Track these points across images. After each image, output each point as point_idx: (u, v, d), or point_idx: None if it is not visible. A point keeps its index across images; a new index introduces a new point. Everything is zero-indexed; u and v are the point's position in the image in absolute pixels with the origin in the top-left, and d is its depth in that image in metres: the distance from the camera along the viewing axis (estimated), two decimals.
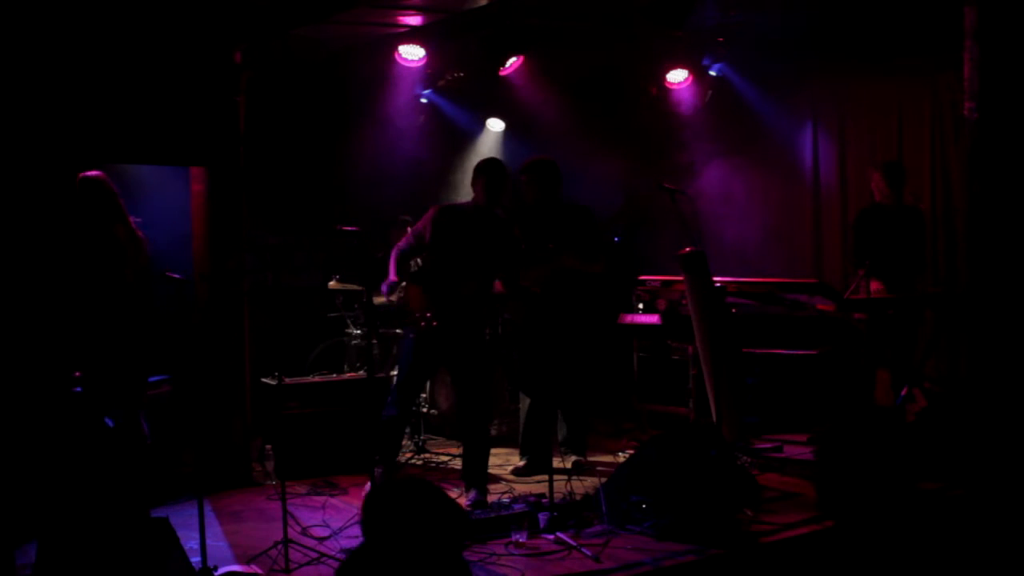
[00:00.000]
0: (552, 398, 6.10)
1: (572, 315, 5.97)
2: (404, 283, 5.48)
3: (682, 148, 8.48)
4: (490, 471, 5.61)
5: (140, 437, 5.13)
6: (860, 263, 6.38)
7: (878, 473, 4.89)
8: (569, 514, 4.89)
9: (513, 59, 7.69)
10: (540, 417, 6.07)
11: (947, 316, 6.48)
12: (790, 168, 8.29)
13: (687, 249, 5.64)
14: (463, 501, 5.26)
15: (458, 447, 6.42)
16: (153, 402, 5.57)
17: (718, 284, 5.80)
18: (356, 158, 7.80)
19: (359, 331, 7.04)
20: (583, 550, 4.48)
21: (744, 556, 4.53)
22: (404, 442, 6.70)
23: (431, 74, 7.81)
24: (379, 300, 5.89)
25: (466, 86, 7.98)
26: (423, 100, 8.14)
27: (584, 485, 5.48)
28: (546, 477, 4.90)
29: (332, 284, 6.91)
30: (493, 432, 6.47)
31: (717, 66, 8.08)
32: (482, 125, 8.73)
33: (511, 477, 5.99)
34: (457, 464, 6.10)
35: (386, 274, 5.48)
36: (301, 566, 4.39)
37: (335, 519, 5.13)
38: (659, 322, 6.68)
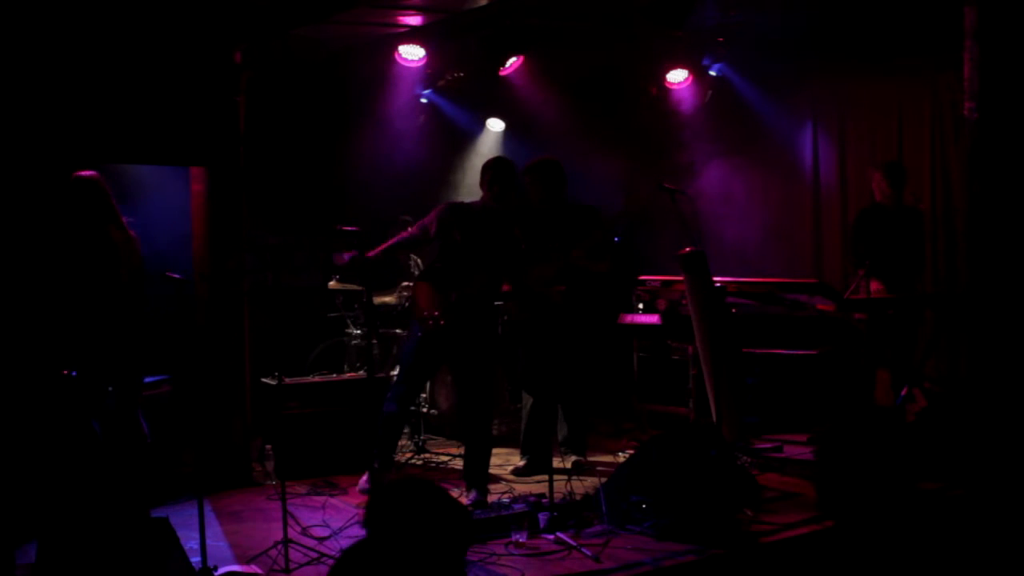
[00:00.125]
0: (556, 397, 6.11)
1: (578, 315, 5.97)
2: (411, 282, 5.44)
3: (682, 148, 8.47)
4: (490, 471, 5.61)
5: (140, 437, 5.13)
6: (860, 263, 6.38)
7: (878, 473, 4.88)
8: (569, 514, 4.89)
9: (513, 59, 7.69)
10: (542, 417, 6.07)
11: (947, 316, 6.48)
12: (790, 168, 8.29)
13: (687, 249, 5.64)
14: (464, 501, 5.26)
15: (458, 447, 6.43)
16: (153, 402, 5.57)
17: (718, 284, 5.80)
18: (356, 158, 7.80)
19: (359, 331, 7.04)
20: (583, 550, 4.48)
21: (744, 556, 4.53)
22: (404, 442, 6.73)
23: (431, 74, 7.80)
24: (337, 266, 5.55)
25: (466, 86, 7.98)
26: (423, 100, 8.14)
27: (584, 485, 5.48)
28: (546, 477, 4.90)
29: (332, 284, 6.91)
30: (493, 432, 6.46)
31: (717, 66, 8.08)
32: (482, 125, 8.72)
33: (511, 477, 5.99)
34: (457, 464, 6.11)
35: (381, 264, 5.41)
36: (301, 566, 4.39)
37: (335, 519, 5.12)
38: (659, 322, 6.68)
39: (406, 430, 6.82)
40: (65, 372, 5.07)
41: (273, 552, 4.48)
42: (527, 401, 6.20)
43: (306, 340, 7.29)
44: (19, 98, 5.17)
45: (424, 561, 2.96)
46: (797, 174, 8.26)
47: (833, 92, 8.02)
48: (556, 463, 5.88)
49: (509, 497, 5.25)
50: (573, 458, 6.13)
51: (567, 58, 7.94)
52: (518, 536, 4.61)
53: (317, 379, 6.38)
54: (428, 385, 6.81)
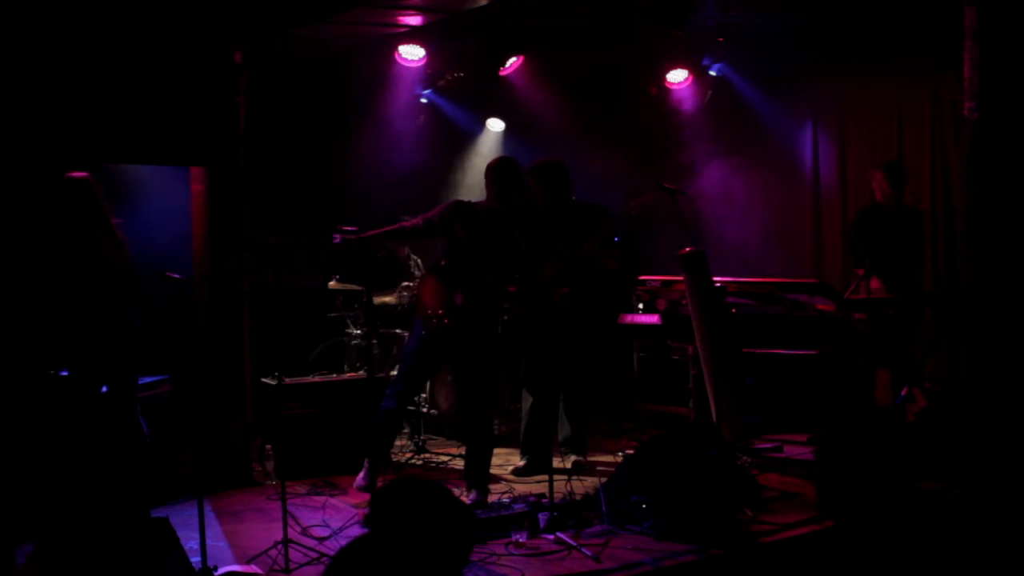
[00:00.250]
0: (559, 397, 6.11)
1: (583, 313, 5.97)
2: (413, 281, 5.43)
3: (682, 148, 8.48)
4: (490, 471, 5.61)
5: (140, 437, 5.13)
6: (860, 263, 6.38)
7: (878, 473, 4.89)
8: (569, 514, 4.89)
9: (513, 59, 7.69)
10: (542, 417, 6.07)
11: (947, 316, 6.48)
12: (790, 168, 8.29)
13: (687, 249, 5.64)
14: (464, 501, 5.26)
15: (458, 447, 6.43)
16: (153, 402, 5.57)
17: (718, 284, 5.80)
18: (356, 158, 7.80)
19: (359, 331, 7.04)
20: (583, 550, 4.48)
21: (744, 556, 4.53)
22: (404, 442, 6.73)
23: (431, 74, 7.80)
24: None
25: (466, 86, 7.98)
26: (423, 100, 8.14)
27: (584, 485, 5.48)
28: (546, 477, 4.90)
29: (332, 284, 6.91)
30: (494, 432, 6.46)
31: (717, 66, 8.08)
32: (482, 125, 8.73)
33: (511, 477, 5.99)
34: (457, 464, 6.11)
35: (382, 264, 5.39)
36: (301, 566, 4.39)
37: (335, 519, 5.13)
38: (659, 322, 6.68)
39: (406, 430, 6.83)
40: (56, 372, 5.07)
41: (273, 552, 4.48)
42: (527, 401, 6.20)
43: (306, 340, 7.30)
44: (19, 98, 5.17)
45: (428, 561, 2.96)
46: (797, 174, 8.26)
47: (833, 92, 8.02)
48: (556, 463, 5.88)
49: (509, 497, 5.25)
50: (573, 458, 6.13)
51: (567, 58, 7.94)
52: (518, 536, 4.61)
53: (317, 379, 6.38)
54: (428, 385, 6.81)
